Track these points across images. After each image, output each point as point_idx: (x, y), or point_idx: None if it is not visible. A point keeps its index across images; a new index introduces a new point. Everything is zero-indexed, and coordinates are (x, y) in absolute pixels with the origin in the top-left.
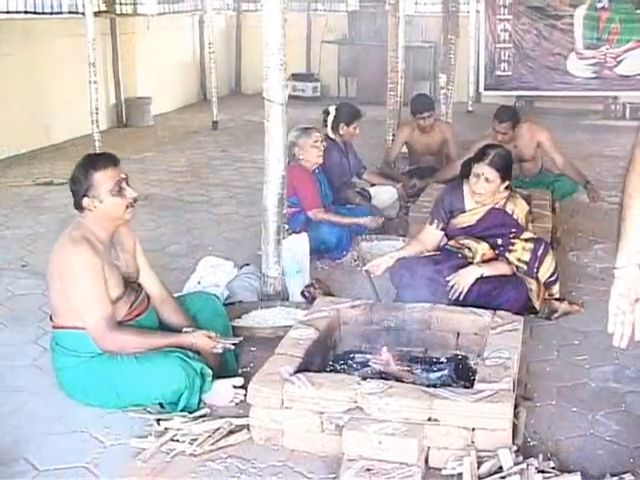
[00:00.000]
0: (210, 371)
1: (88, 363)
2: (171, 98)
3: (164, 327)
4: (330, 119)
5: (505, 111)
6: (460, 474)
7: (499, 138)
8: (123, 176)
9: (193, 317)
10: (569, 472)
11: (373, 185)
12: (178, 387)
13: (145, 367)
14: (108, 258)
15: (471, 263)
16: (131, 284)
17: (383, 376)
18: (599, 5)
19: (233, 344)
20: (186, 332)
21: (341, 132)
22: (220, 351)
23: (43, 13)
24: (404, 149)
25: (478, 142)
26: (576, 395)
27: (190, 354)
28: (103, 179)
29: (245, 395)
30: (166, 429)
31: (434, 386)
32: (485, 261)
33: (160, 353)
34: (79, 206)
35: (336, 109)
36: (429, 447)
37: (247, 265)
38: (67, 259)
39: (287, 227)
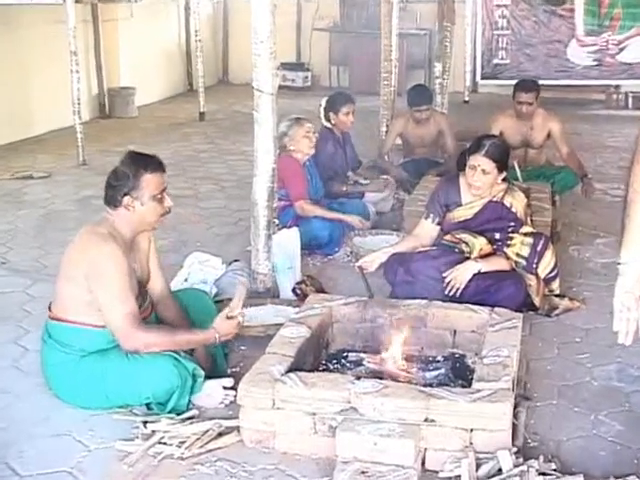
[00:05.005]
0: (202, 372)
1: (78, 361)
2: (156, 88)
3: None
4: (322, 109)
5: (527, 81)
6: (458, 476)
7: (524, 110)
8: (166, 185)
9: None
10: (571, 474)
11: (367, 179)
12: (170, 387)
13: (137, 366)
14: (129, 259)
15: (468, 258)
16: (141, 289)
17: (378, 375)
18: None
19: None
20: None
21: (333, 121)
22: (243, 319)
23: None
24: (398, 141)
25: (498, 120)
26: (578, 394)
27: (182, 354)
28: (152, 182)
29: (235, 396)
30: (153, 431)
31: (431, 385)
32: (483, 256)
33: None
34: (115, 202)
35: (327, 100)
36: (426, 449)
37: (236, 261)
38: (97, 256)
39: (277, 221)
